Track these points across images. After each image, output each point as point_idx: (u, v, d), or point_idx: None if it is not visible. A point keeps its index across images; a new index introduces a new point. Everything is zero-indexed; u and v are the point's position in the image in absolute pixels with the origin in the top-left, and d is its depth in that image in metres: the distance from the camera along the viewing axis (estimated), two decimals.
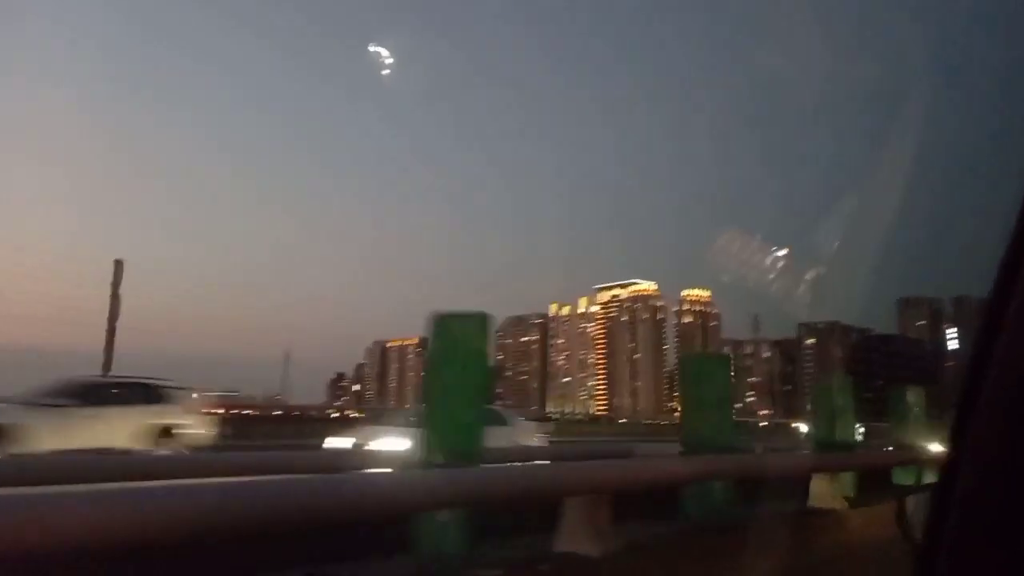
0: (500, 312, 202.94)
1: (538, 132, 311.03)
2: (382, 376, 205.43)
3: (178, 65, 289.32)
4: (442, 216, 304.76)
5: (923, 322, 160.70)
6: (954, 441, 1.03)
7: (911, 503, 1.54)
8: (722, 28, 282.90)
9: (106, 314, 26.78)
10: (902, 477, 11.52)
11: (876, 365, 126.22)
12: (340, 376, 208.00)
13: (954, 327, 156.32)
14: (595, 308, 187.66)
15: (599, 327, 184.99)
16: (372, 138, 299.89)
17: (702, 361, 13.15)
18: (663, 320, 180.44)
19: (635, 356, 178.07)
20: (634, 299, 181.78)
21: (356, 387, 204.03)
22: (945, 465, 1.03)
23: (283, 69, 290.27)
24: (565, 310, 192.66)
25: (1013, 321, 0.96)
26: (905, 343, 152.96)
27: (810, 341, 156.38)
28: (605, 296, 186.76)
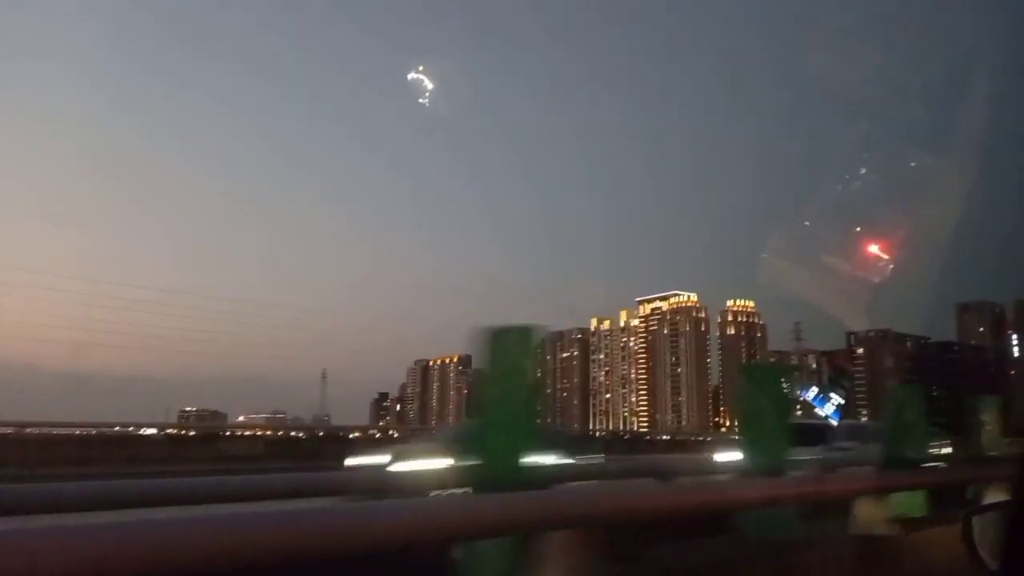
0: (543, 328, 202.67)
1: (575, 146, 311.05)
2: (423, 395, 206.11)
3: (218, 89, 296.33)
4: (482, 233, 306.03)
5: (983, 328, 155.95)
6: None
7: (978, 525, 1.46)
8: (764, 32, 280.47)
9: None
10: (970, 495, 10.58)
11: (934, 374, 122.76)
12: (383, 396, 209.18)
13: (1016, 333, 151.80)
14: (636, 322, 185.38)
15: (640, 341, 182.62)
16: (410, 157, 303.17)
17: (764, 371, 12.53)
18: (706, 332, 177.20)
19: (677, 370, 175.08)
20: (675, 311, 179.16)
21: (398, 407, 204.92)
22: (1020, 484, 0.96)
23: (323, 88, 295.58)
24: (606, 324, 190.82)
25: None
26: (965, 350, 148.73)
27: (860, 351, 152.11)
28: (646, 309, 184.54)
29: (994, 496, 9.47)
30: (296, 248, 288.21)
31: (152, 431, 30.46)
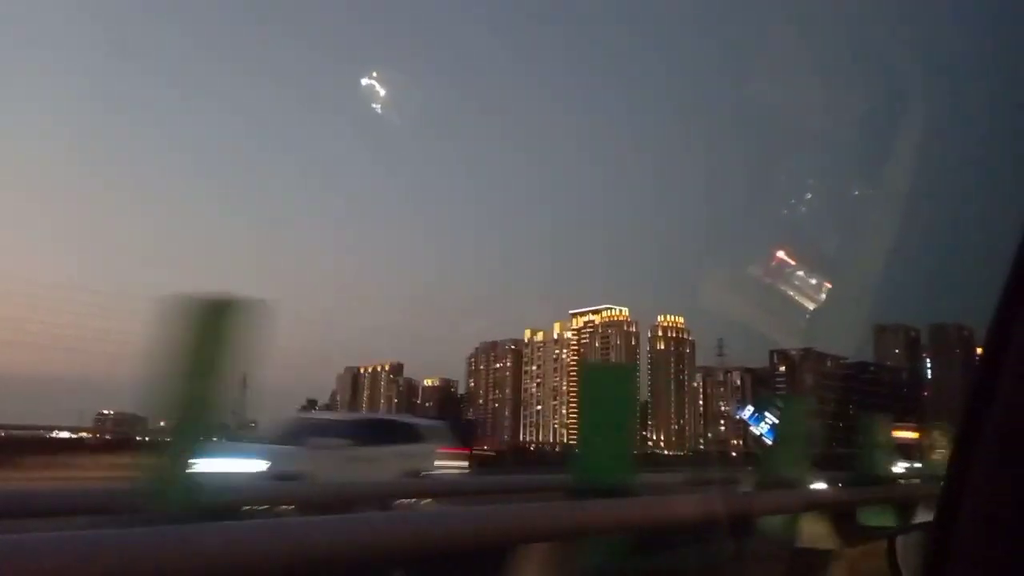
0: (477, 337, 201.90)
1: (511, 159, 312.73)
2: (353, 402, 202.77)
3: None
4: (418, 240, 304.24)
5: (898, 350, 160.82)
6: (952, 481, 0.97)
7: (902, 546, 1.50)
8: (697, 58, 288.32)
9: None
10: (879, 518, 10.86)
11: (851, 393, 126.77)
12: (312, 402, 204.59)
13: (929, 356, 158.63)
14: (569, 334, 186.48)
15: (572, 353, 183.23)
16: (343, 165, 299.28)
17: (604, 373, 10.97)
18: (636, 346, 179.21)
19: None
20: (607, 324, 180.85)
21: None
22: (943, 507, 0.97)
23: (279, 99, 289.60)
24: (539, 336, 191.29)
25: (1015, 359, 0.94)
26: (881, 371, 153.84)
27: (782, 368, 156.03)
28: (579, 322, 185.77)
29: (917, 518, 9.94)
30: (240, 245, 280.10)
31: (65, 434, 29.16)
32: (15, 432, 26.99)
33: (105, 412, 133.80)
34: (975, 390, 0.99)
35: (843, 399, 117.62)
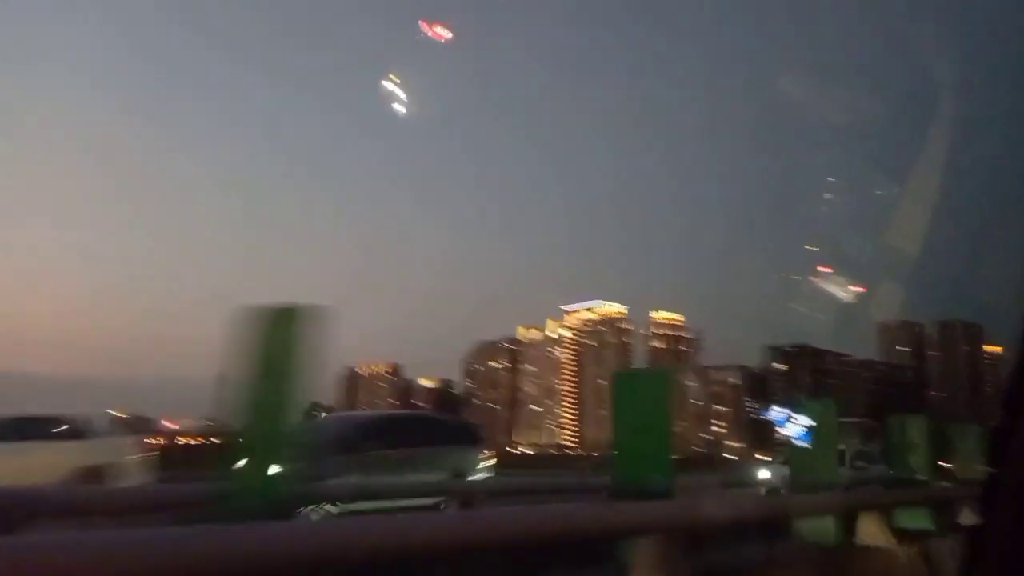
0: (475, 335, 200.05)
1: (511, 160, 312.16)
2: (351, 404, 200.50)
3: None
4: (416, 241, 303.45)
5: (906, 348, 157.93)
6: (990, 483, 0.96)
7: (939, 549, 2.09)
8: (696, 56, 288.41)
9: None
10: (915, 520, 10.77)
11: (857, 392, 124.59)
12: (315, 405, 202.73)
13: (939, 352, 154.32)
14: (564, 331, 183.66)
15: (568, 352, 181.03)
16: (341, 156, 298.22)
17: (638, 377, 11.03)
18: (631, 344, 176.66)
19: (599, 382, 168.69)
20: (601, 322, 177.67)
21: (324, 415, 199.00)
22: (981, 509, 0.96)
23: (283, 96, 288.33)
24: (534, 334, 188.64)
25: None
26: (889, 369, 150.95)
27: (779, 366, 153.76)
28: (574, 319, 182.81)
29: (954, 520, 9.90)
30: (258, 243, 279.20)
31: None
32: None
33: (111, 412, 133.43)
34: (1011, 390, 0.97)
35: (848, 397, 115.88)
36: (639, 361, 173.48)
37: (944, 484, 14.32)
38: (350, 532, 4.07)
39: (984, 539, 0.94)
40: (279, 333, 5.68)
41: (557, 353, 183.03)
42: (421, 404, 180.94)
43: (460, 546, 4.33)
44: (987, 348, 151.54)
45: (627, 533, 5.76)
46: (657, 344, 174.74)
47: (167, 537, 3.38)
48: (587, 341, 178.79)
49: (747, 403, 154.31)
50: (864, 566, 8.19)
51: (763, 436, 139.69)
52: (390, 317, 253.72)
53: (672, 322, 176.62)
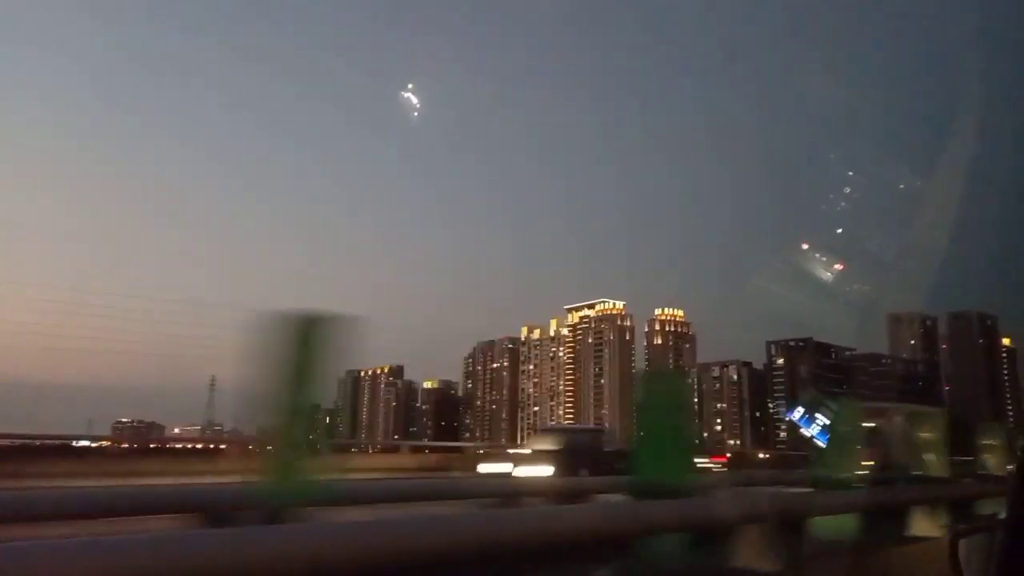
0: (477, 336, 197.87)
1: (511, 162, 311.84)
2: (354, 407, 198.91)
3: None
4: (418, 241, 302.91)
5: (914, 341, 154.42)
6: (1020, 481, 0.96)
7: (965, 548, 1.46)
8: (695, 56, 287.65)
9: None
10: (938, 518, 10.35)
11: (861, 386, 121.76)
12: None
13: (949, 345, 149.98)
14: (565, 331, 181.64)
15: (568, 351, 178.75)
16: (341, 167, 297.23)
17: (660, 379, 11.70)
18: (631, 341, 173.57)
19: (601, 381, 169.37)
20: (600, 319, 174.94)
21: (327, 418, 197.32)
22: (1010, 507, 0.95)
23: (284, 102, 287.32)
24: (536, 333, 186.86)
25: None
26: (896, 363, 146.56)
27: (780, 361, 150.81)
28: (575, 317, 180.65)
29: (979, 518, 9.85)
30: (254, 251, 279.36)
31: (85, 443, 29.36)
32: (47, 441, 27.08)
33: (124, 420, 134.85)
34: None
35: (853, 392, 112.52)
36: (640, 358, 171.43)
37: (967, 481, 14.02)
38: (363, 534, 4.10)
39: (1016, 536, 0.91)
40: (304, 339, 5.70)
41: (559, 351, 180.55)
42: (420, 406, 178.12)
43: (477, 546, 4.37)
44: (1006, 341, 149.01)
45: (649, 531, 5.87)
46: (659, 341, 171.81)
47: (177, 539, 3.49)
48: (586, 339, 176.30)
49: (757, 400, 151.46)
50: (888, 564, 8.19)
51: (764, 435, 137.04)
52: (390, 318, 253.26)
53: (674, 318, 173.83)
